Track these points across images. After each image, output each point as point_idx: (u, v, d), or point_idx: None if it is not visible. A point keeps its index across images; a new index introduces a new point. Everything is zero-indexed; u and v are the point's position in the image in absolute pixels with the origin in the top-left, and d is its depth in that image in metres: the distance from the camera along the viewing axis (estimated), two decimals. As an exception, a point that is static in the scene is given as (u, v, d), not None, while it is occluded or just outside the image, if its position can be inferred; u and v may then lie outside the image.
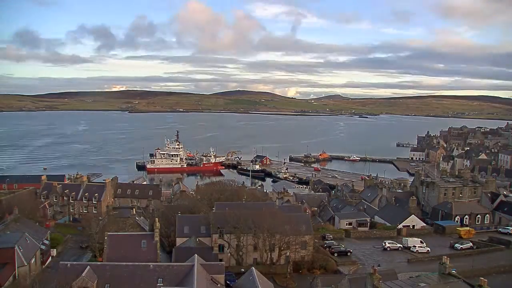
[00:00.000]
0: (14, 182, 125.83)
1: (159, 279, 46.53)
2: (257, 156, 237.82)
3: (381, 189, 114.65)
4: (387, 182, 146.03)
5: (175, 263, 51.24)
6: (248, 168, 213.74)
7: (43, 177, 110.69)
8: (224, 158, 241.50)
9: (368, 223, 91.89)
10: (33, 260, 60.75)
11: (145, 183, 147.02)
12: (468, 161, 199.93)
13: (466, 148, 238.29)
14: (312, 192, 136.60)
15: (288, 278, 61.68)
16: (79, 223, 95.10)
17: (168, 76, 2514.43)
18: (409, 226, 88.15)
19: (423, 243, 76.45)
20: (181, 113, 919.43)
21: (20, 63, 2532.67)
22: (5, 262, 55.95)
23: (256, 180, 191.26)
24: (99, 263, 52.43)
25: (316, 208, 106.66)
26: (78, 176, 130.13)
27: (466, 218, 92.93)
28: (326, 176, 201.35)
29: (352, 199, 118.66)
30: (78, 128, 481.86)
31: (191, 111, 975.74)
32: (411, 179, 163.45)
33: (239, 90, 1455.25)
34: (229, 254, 66.04)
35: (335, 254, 70.95)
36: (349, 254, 72.43)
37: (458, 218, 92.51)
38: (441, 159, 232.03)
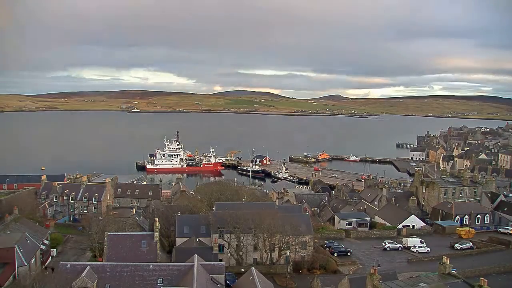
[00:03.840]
0: (14, 182, 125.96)
1: (159, 279, 46.60)
2: (257, 156, 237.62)
3: (381, 189, 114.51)
4: (387, 182, 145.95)
5: (175, 263, 51.23)
6: (248, 168, 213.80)
7: (43, 177, 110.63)
8: (224, 158, 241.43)
9: (368, 223, 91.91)
10: (33, 260, 60.79)
11: (145, 183, 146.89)
12: (468, 161, 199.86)
13: (466, 148, 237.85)
14: (312, 192, 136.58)
15: (288, 278, 61.72)
16: (79, 223, 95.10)
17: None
18: (409, 226, 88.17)
19: (423, 243, 76.52)
20: (181, 113, 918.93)
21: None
22: (5, 262, 56.02)
23: (256, 181, 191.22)
24: (99, 263, 52.44)
25: (316, 208, 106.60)
26: (78, 176, 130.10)
27: (466, 218, 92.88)
28: (326, 176, 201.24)
29: (352, 199, 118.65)
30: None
31: (191, 111, 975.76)
32: (411, 179, 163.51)
33: (239, 90, 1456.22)
34: (229, 254, 66.07)
35: (335, 254, 71.01)
36: (349, 254, 72.49)
37: (458, 218, 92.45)
38: (441, 159, 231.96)
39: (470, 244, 77.37)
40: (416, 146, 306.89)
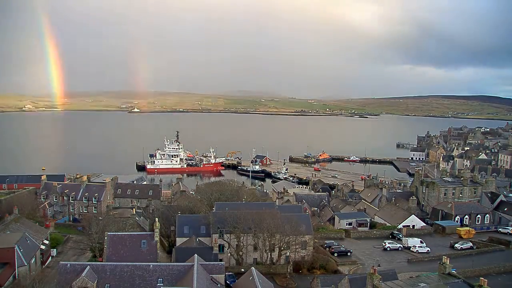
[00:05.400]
0: (14, 182, 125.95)
1: (159, 279, 46.59)
2: (257, 156, 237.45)
3: (381, 189, 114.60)
4: (387, 182, 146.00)
5: (175, 263, 51.25)
6: (248, 168, 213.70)
7: (43, 177, 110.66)
8: (224, 158, 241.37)
9: (368, 223, 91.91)
10: (33, 260, 60.81)
11: (145, 183, 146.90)
12: (468, 161, 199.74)
13: (466, 148, 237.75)
14: (312, 192, 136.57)
15: (288, 278, 61.74)
16: (79, 223, 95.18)
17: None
18: (409, 226, 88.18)
19: (423, 243, 76.54)
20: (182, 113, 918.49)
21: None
22: (5, 262, 56.04)
23: (256, 181, 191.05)
24: (99, 263, 52.44)
25: (316, 208, 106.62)
26: (78, 176, 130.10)
27: (466, 218, 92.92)
28: (326, 176, 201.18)
29: (352, 199, 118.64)
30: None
31: (191, 111, 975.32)
32: (411, 179, 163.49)
33: (239, 90, 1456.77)
34: (229, 254, 66.09)
35: (335, 254, 71.04)
36: (349, 254, 72.51)
37: (458, 218, 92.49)
38: (441, 159, 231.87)
39: (470, 244, 77.36)
40: (416, 146, 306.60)
